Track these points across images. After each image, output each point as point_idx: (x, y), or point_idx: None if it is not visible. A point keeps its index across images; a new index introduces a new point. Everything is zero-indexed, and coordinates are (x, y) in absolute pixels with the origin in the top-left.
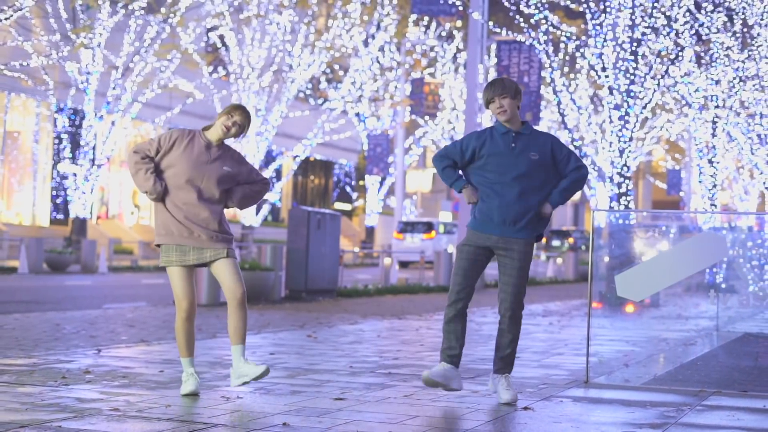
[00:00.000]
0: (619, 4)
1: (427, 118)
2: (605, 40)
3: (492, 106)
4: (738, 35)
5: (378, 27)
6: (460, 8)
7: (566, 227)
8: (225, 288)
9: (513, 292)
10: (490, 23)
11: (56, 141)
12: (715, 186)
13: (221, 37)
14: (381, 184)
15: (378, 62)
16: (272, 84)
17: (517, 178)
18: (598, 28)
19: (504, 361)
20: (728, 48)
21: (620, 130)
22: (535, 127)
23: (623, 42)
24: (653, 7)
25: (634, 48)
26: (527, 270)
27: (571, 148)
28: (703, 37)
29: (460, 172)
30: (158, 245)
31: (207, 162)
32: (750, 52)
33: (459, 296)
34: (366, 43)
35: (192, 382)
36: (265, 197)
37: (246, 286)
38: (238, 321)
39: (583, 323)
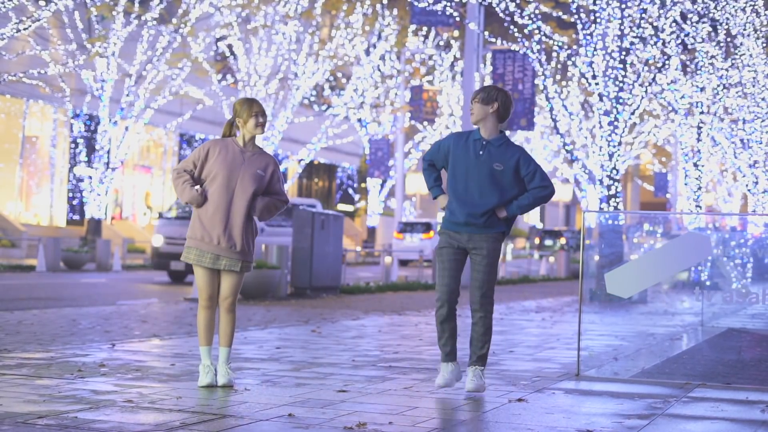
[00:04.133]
0: (609, 15)
1: (425, 123)
2: (595, 50)
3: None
4: (722, 45)
5: (379, 37)
6: (458, 19)
7: (558, 227)
8: (220, 293)
9: (480, 287)
10: (486, 33)
11: (72, 145)
12: (700, 188)
13: (230, 47)
14: (382, 186)
15: (379, 70)
16: (278, 91)
17: (479, 184)
18: (588, 37)
19: (477, 355)
20: (712, 57)
21: (610, 135)
22: (513, 140)
23: (612, 51)
24: (641, 18)
25: (622, 57)
26: (495, 266)
27: (564, 151)
28: (689, 47)
29: (442, 173)
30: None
31: (241, 163)
32: (733, 61)
33: (448, 297)
34: (368, 52)
35: (209, 375)
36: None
37: (253, 283)
38: (224, 325)
39: (575, 319)
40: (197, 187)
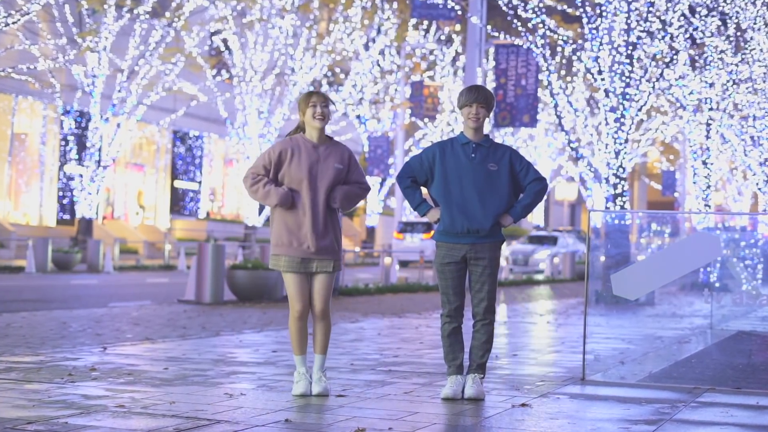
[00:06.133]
0: (615, 8)
1: (426, 120)
2: (601, 44)
3: (467, 109)
4: (731, 39)
5: (378, 31)
6: (459, 12)
7: (563, 227)
8: (312, 299)
9: (487, 298)
10: (489, 27)
11: (63, 143)
12: (709, 187)
13: (225, 41)
14: (381, 185)
15: (378, 65)
16: (275, 87)
17: (477, 188)
18: (594, 32)
19: (477, 364)
20: (722, 51)
21: (616, 132)
22: (496, 141)
23: (619, 45)
24: (648, 12)
25: (629, 51)
26: (497, 275)
27: (569, 149)
28: (698, 41)
29: (423, 190)
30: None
31: (317, 162)
32: (743, 56)
33: (455, 313)
34: (366, 47)
35: (303, 384)
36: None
37: (249, 285)
38: (318, 332)
39: (580, 321)
40: (284, 186)
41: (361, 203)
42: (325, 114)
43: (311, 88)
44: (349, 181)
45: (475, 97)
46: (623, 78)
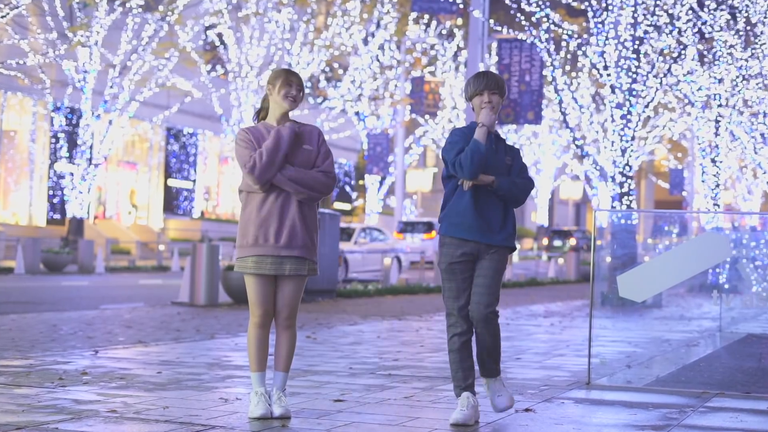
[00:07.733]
0: (621, 1)
1: (427, 117)
2: (607, 39)
3: (478, 98)
4: (741, 33)
5: (378, 25)
6: (461, 6)
7: (568, 227)
8: (276, 305)
9: (487, 293)
10: (491, 21)
11: (53, 140)
12: (718, 185)
13: (220, 36)
14: (381, 183)
15: (378, 61)
16: None
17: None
18: (600, 26)
19: (486, 367)
20: (731, 46)
21: (622, 129)
22: (519, 135)
23: (625, 40)
24: (655, 5)
25: (636, 46)
26: (502, 273)
27: (574, 146)
28: (706, 36)
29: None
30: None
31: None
32: (753, 51)
33: (463, 322)
34: (366, 42)
35: (263, 405)
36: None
37: (244, 287)
38: (282, 345)
39: (585, 324)
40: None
41: (359, 202)
42: (297, 99)
43: (308, 85)
44: (315, 167)
45: (485, 83)
46: (630, 73)
